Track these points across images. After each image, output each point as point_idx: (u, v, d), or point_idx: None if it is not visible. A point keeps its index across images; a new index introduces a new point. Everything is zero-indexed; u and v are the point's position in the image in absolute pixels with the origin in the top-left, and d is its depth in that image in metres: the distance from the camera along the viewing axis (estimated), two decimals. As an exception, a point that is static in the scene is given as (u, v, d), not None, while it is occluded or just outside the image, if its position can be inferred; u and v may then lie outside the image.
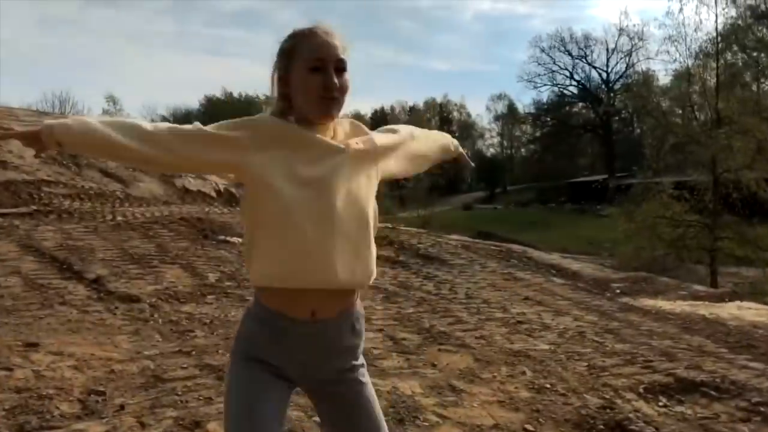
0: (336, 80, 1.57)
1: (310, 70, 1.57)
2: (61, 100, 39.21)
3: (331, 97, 1.57)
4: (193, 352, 4.48)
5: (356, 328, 1.70)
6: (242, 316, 1.74)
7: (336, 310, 1.63)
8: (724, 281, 19.91)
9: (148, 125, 1.60)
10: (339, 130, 1.69)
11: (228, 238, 9.05)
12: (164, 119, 54.12)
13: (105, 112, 45.47)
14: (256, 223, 1.60)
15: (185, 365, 4.21)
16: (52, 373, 3.89)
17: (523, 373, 4.72)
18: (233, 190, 16.77)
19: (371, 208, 1.65)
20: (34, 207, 10.35)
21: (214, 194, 16.46)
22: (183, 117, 54.44)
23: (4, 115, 16.40)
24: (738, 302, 8.57)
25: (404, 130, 1.88)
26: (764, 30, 26.47)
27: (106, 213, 10.13)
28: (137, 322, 5.10)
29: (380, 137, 1.76)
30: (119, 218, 9.72)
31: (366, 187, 1.65)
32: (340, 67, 1.60)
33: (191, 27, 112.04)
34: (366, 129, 1.76)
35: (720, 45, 22.74)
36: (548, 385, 4.50)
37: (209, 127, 1.60)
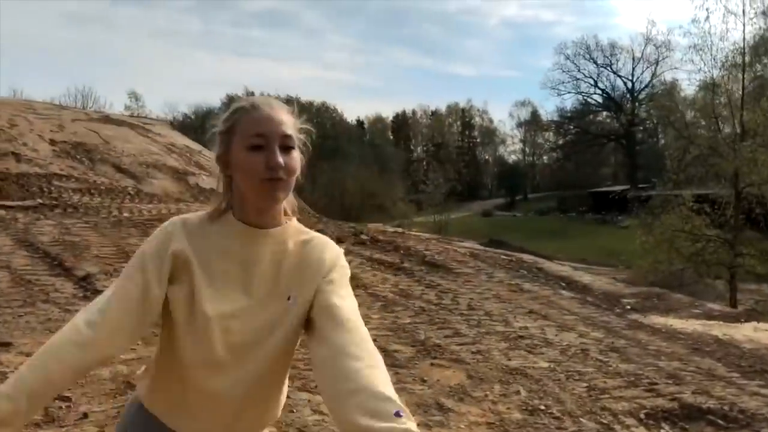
0: (281, 159, 1.33)
1: (250, 148, 1.34)
2: (83, 95, 39.43)
3: (276, 178, 1.33)
4: (172, 358, 4.30)
5: None
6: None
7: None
8: (745, 298, 19.43)
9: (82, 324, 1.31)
10: (291, 239, 1.42)
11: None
12: (186, 117, 54.52)
13: (127, 108, 45.70)
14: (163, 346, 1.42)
15: (160, 372, 4.03)
16: (19, 375, 3.73)
17: (518, 392, 4.49)
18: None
19: (286, 360, 1.43)
20: (40, 200, 10.29)
21: (227, 193, 16.32)
22: (204, 114, 54.69)
23: (23, 108, 16.49)
24: (755, 323, 8.22)
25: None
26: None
27: (112, 209, 10.04)
28: (120, 323, 4.93)
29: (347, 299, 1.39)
30: (124, 214, 9.62)
31: (288, 341, 1.39)
32: (287, 145, 1.35)
33: (217, 26, 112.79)
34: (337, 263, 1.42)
35: (747, 56, 22.21)
36: (543, 407, 4.27)
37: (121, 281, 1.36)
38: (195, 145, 18.29)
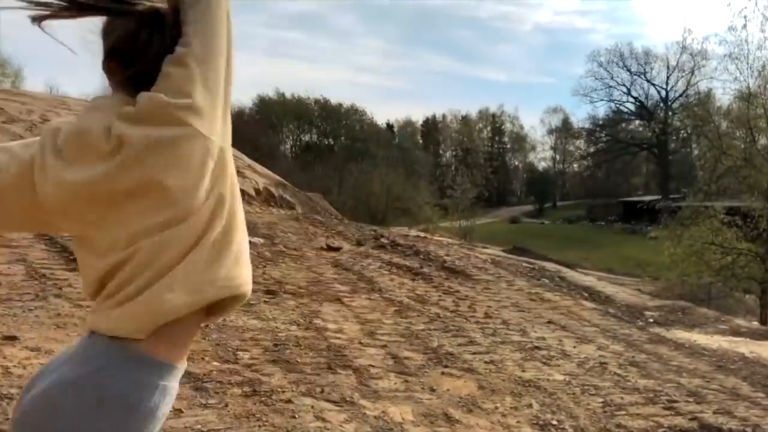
0: None
1: None
2: (119, 92, 40.02)
3: None
4: (178, 358, 4.24)
5: None
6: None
7: None
8: (777, 314, 18.95)
9: None
10: None
11: (250, 238, 8.88)
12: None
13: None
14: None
15: (164, 371, 3.98)
16: (22, 370, 3.70)
17: (530, 405, 4.36)
18: (272, 189, 16.66)
19: None
20: (65, 195, 10.39)
21: (252, 192, 16.34)
22: (235, 115, 55.11)
23: (56, 104, 16.75)
24: (784, 341, 7.95)
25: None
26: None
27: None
28: (130, 320, 4.90)
29: None
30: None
31: None
32: None
33: (249, 28, 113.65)
34: None
35: (785, 65, 21.62)
36: (555, 422, 4.13)
37: None
38: (222, 144, 18.38)
